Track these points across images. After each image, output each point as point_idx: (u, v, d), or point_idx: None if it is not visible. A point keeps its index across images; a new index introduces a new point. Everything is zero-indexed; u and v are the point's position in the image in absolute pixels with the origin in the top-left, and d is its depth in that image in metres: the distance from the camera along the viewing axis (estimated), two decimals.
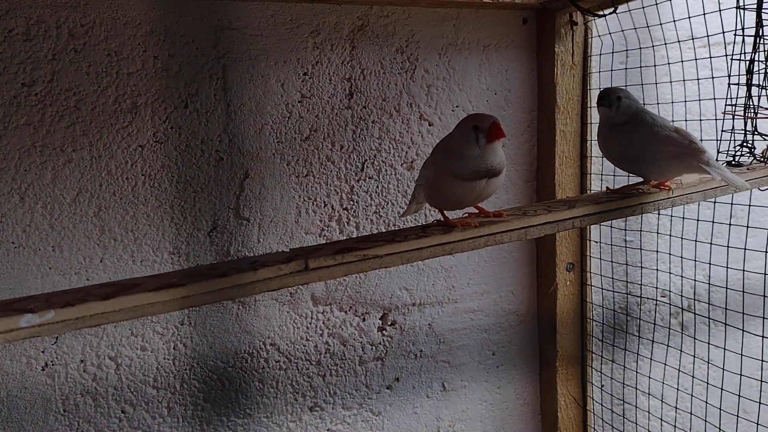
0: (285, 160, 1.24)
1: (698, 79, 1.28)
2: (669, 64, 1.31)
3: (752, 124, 1.09)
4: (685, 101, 1.30)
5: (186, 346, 1.20)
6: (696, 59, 1.26)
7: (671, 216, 1.35)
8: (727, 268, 1.24)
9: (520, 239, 0.84)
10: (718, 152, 1.13)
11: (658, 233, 1.38)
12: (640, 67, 1.35)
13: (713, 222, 1.25)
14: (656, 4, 1.25)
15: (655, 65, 1.33)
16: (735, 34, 1.09)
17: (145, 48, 1.15)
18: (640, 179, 1.04)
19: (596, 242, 1.40)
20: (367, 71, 1.28)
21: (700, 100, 1.28)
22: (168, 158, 1.17)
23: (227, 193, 1.21)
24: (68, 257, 1.12)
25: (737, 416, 1.18)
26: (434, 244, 0.78)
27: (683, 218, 1.32)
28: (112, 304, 0.63)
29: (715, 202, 1.25)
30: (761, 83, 1.07)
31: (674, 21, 1.24)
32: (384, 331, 1.33)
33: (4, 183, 1.08)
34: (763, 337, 1.12)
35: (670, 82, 1.32)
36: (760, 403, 1.16)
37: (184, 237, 1.19)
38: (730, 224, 1.25)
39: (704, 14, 1.18)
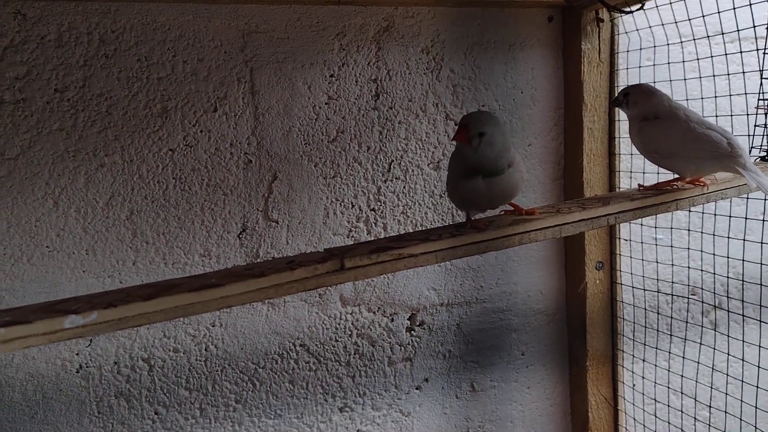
0: (312, 162, 1.25)
1: (728, 75, 1.26)
2: (698, 60, 1.30)
3: None
4: (715, 97, 1.29)
5: (217, 347, 1.20)
6: (726, 54, 1.24)
7: (702, 212, 1.33)
8: (761, 264, 1.22)
9: (554, 237, 0.83)
10: (751, 148, 1.12)
11: (689, 230, 1.36)
12: (668, 63, 1.33)
13: (746, 218, 1.24)
14: None
15: (683, 61, 1.32)
16: (767, 29, 1.07)
17: (175, 53, 1.16)
18: (671, 176, 1.03)
19: (626, 240, 1.38)
20: (393, 72, 1.28)
21: (730, 95, 1.26)
22: (198, 161, 1.18)
23: (256, 196, 1.22)
24: (101, 260, 1.14)
25: None
26: (468, 243, 0.78)
27: (715, 215, 1.30)
28: (153, 305, 0.63)
29: (747, 198, 1.23)
30: None
31: (703, 16, 1.23)
32: (412, 332, 1.33)
33: (38, 188, 1.10)
34: None
35: (699, 78, 1.31)
36: None
37: (214, 239, 1.20)
38: (763, 220, 1.23)
39: (734, 9, 1.17)
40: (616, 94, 1.09)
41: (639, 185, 1.03)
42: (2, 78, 1.08)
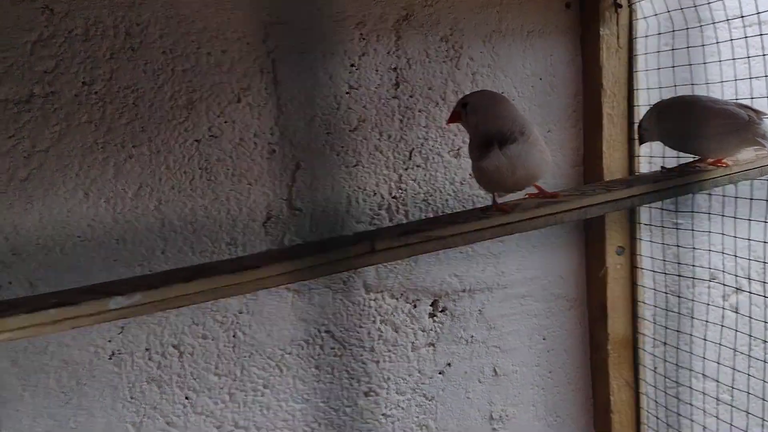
0: (335, 151, 1.26)
1: (748, 58, 1.26)
2: (717, 43, 1.30)
3: None
4: (735, 80, 1.29)
5: (245, 333, 1.23)
6: (746, 37, 1.24)
7: (723, 195, 1.33)
8: None
9: (579, 218, 0.85)
10: None
11: (709, 214, 1.37)
12: (687, 47, 1.33)
13: (767, 201, 1.24)
14: None
15: (702, 45, 1.32)
16: None
17: (199, 45, 1.18)
18: (691, 159, 1.04)
19: (646, 225, 1.39)
20: (413, 61, 1.30)
21: (750, 78, 1.26)
22: (223, 152, 1.20)
23: (280, 185, 1.24)
24: (131, 249, 1.16)
25: None
26: (495, 225, 0.79)
27: (736, 198, 1.30)
28: (193, 286, 0.65)
29: None
30: None
31: (722, 0, 1.23)
32: (435, 318, 1.34)
33: (68, 179, 1.13)
34: None
35: (719, 61, 1.31)
36: None
37: (240, 228, 1.22)
38: None
39: None
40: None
41: (662, 167, 1.04)
42: (32, 72, 1.10)
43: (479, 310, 1.37)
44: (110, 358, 1.16)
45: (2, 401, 1.11)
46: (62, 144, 1.12)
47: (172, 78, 1.17)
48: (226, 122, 1.20)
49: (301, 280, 0.71)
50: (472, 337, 1.37)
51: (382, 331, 1.31)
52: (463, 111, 0.95)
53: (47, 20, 1.11)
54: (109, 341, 1.16)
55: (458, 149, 1.33)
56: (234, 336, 1.23)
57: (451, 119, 0.95)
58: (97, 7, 1.12)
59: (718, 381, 1.33)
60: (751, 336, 1.29)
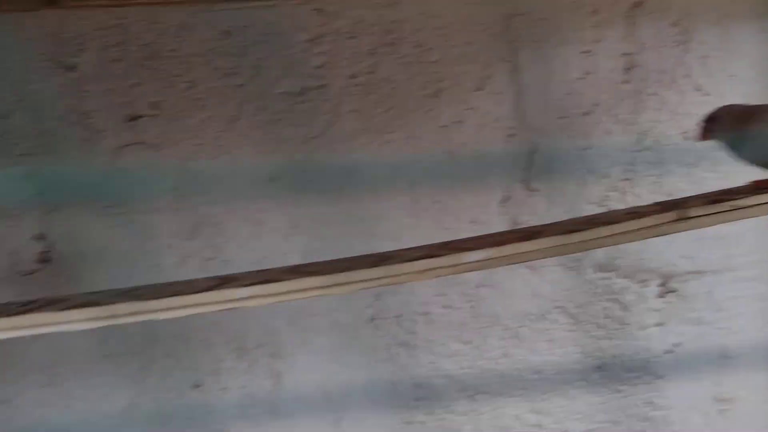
0: (568, 135, 1.32)
1: None
2: None
3: None
4: None
5: (484, 306, 1.32)
6: None
7: None
8: None
9: None
10: None
11: None
12: None
13: None
14: None
15: None
16: None
17: (446, 38, 1.28)
18: None
19: None
20: (644, 46, 1.32)
21: None
22: (466, 136, 1.29)
23: (517, 167, 1.31)
24: (387, 226, 1.28)
25: None
26: None
27: None
28: (530, 245, 0.74)
29: None
30: None
31: None
32: (663, 298, 1.37)
33: (335, 162, 1.26)
34: None
35: None
36: None
37: (479, 207, 1.31)
38: None
39: None
40: None
41: None
42: (306, 67, 1.25)
43: (708, 292, 1.37)
44: (369, 322, 1.29)
45: (282, 355, 1.27)
46: (331, 131, 1.26)
47: (422, 70, 1.28)
48: (468, 109, 1.29)
49: (615, 244, 0.77)
50: (701, 318, 1.38)
51: (610, 310, 1.35)
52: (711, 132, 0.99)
53: (319, 20, 1.25)
54: (368, 307, 1.29)
55: (686, 132, 1.34)
56: (473, 308, 1.32)
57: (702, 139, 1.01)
58: (361, 7, 1.25)
59: None
60: None
